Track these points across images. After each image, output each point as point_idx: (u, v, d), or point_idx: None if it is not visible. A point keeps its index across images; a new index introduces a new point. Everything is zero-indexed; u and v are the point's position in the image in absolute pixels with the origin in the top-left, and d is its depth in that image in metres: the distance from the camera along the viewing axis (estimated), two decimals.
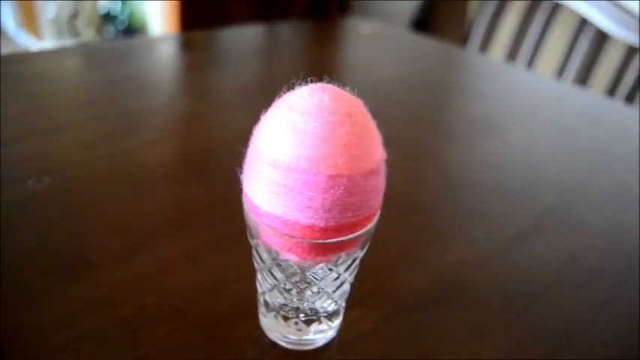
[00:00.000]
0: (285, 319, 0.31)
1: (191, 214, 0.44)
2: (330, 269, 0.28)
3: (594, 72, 1.13)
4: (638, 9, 1.09)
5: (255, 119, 0.26)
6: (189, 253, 0.39)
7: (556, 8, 1.19)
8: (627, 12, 1.09)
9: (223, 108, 0.65)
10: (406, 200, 0.48)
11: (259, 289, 0.31)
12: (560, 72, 1.18)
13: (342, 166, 0.23)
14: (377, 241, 0.29)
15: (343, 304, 0.32)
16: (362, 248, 0.28)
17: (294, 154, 0.23)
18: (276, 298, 0.30)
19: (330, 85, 0.24)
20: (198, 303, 0.35)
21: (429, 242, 0.43)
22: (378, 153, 0.25)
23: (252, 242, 0.28)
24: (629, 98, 1.07)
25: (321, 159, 0.22)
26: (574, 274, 0.41)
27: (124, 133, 0.55)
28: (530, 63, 1.23)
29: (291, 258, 0.26)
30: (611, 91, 1.10)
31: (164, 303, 0.34)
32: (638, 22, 1.07)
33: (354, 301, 0.32)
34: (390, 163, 0.26)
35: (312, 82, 0.25)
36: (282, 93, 0.25)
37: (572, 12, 1.16)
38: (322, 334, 0.32)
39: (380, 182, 0.25)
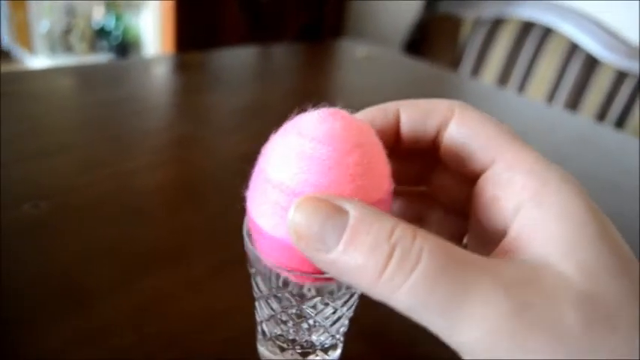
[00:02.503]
0: (282, 349, 0.31)
1: (190, 239, 0.44)
2: (327, 303, 0.28)
3: (584, 96, 1.15)
4: (627, 34, 1.12)
5: (252, 142, 0.25)
6: (189, 280, 0.39)
7: (547, 33, 1.21)
8: (617, 37, 1.11)
9: (220, 131, 0.66)
10: None
11: (257, 318, 0.31)
12: (551, 96, 1.20)
13: (347, 195, 0.22)
14: None
15: (341, 339, 0.32)
16: None
17: (300, 179, 0.22)
18: (273, 328, 0.30)
19: (342, 112, 0.24)
20: (197, 333, 0.34)
21: None
22: (385, 184, 0.24)
23: (251, 271, 0.28)
24: (619, 123, 1.09)
25: (325, 186, 0.22)
26: None
27: (121, 156, 0.55)
28: (522, 86, 1.25)
29: (289, 276, 0.26)
30: (601, 115, 1.12)
31: (163, 333, 0.34)
32: (627, 48, 1.09)
33: (355, 335, 0.32)
34: None
35: (323, 106, 0.24)
36: (292, 115, 0.24)
37: (563, 37, 1.18)
38: None
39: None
